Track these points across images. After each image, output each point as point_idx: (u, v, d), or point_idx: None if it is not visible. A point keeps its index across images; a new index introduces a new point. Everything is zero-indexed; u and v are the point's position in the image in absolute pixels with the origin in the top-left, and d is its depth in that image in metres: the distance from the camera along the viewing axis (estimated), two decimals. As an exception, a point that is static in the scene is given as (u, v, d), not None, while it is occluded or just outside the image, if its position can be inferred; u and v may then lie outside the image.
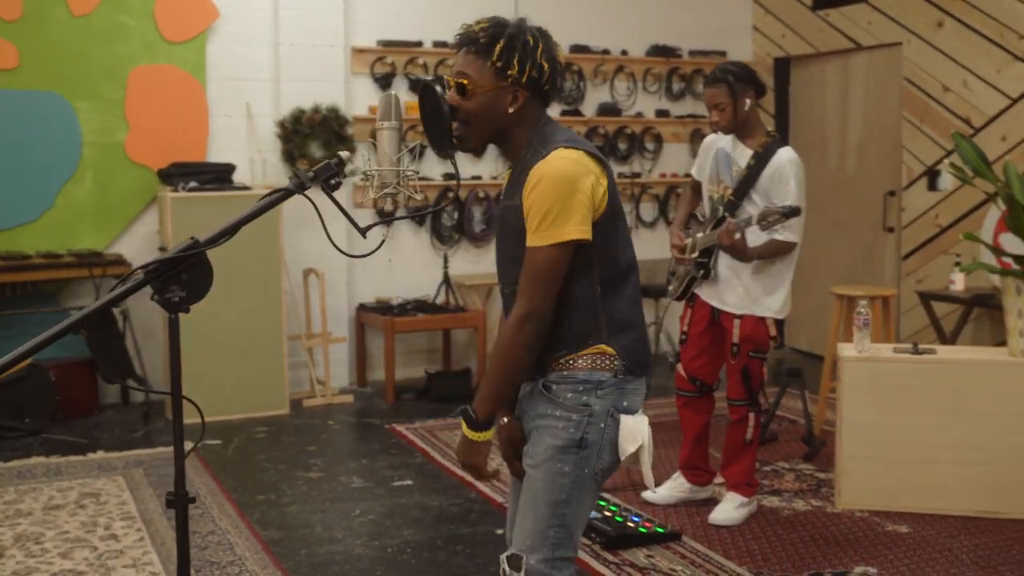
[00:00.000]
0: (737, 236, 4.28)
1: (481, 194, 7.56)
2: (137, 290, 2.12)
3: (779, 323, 4.50)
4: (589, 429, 2.39)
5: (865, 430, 4.62)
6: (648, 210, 8.17)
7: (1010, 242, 5.19)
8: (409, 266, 7.40)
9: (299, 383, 6.90)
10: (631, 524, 4.31)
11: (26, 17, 6.30)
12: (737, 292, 4.44)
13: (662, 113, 8.12)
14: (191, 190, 6.21)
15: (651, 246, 7.83)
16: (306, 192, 2.27)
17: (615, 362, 2.41)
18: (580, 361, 2.40)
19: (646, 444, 2.42)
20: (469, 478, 2.56)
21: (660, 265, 7.41)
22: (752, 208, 4.34)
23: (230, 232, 2.20)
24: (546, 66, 2.37)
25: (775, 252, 4.34)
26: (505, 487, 4.88)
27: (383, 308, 7.07)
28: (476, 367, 7.09)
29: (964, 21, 6.64)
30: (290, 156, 6.88)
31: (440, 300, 7.28)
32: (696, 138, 8.20)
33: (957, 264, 6.24)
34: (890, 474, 4.60)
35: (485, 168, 7.53)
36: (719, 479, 4.74)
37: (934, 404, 4.56)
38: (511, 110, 2.38)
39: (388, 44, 7.25)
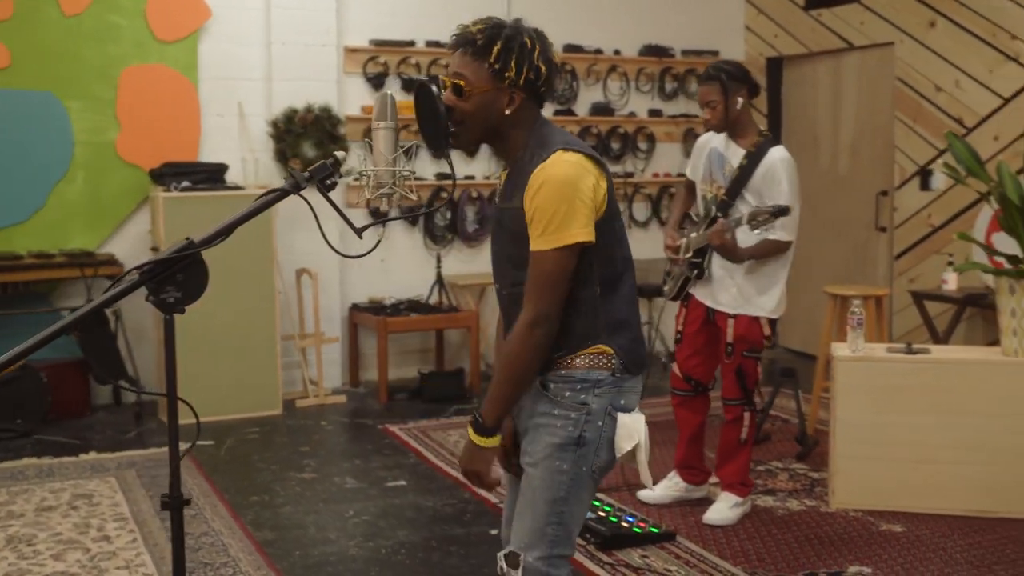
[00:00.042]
0: (727, 237, 4.29)
1: (474, 194, 7.55)
2: (132, 291, 2.11)
3: (772, 322, 4.50)
4: (587, 427, 2.40)
5: (859, 430, 4.62)
6: (641, 210, 8.17)
7: (1002, 241, 5.20)
8: (402, 266, 7.39)
9: (292, 383, 6.89)
10: (625, 524, 4.31)
11: (17, 16, 6.27)
12: (731, 292, 4.44)
13: (655, 113, 8.12)
14: (183, 190, 6.19)
15: (644, 246, 7.83)
16: (301, 192, 2.26)
17: (613, 361, 2.42)
18: (579, 360, 2.41)
19: (643, 442, 2.43)
20: (471, 485, 2.53)
21: (653, 265, 7.43)
22: (745, 208, 4.34)
23: (225, 232, 2.19)
24: (543, 68, 2.38)
25: (769, 252, 4.34)
26: (499, 487, 4.86)
27: (376, 308, 7.06)
28: (469, 367, 7.09)
29: (956, 21, 6.65)
30: (282, 156, 6.86)
31: (433, 300, 7.28)
32: (689, 138, 8.21)
33: (950, 264, 6.25)
34: (884, 474, 4.61)
35: (478, 168, 7.52)
36: (714, 479, 4.74)
37: (928, 404, 4.56)
38: (507, 111, 2.38)
39: (381, 44, 7.24)
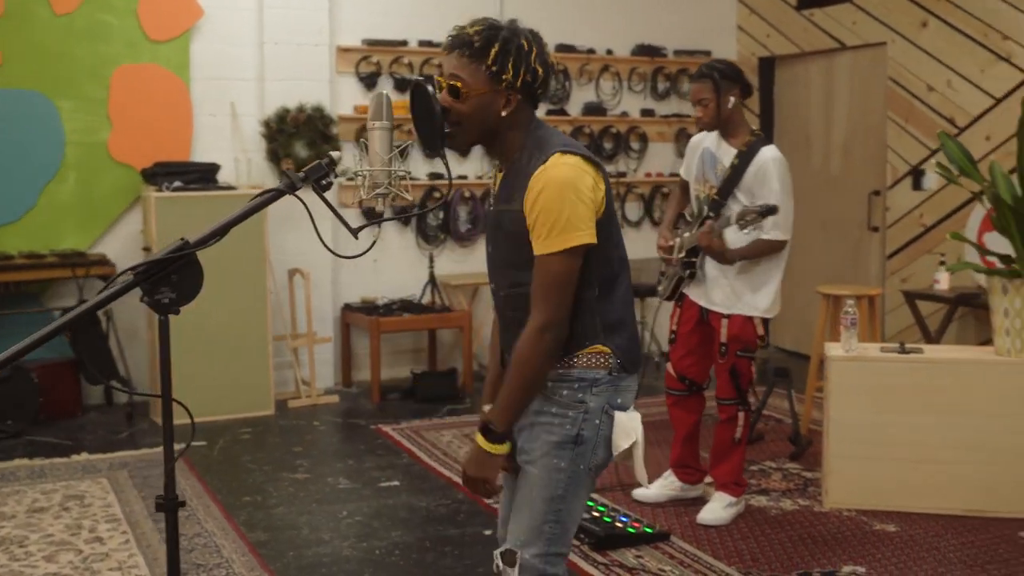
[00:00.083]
0: (713, 240, 4.30)
1: (467, 194, 7.55)
2: (127, 291, 2.10)
3: (766, 322, 4.50)
4: (585, 426, 2.41)
5: (853, 430, 4.62)
6: (633, 209, 8.17)
7: (994, 241, 5.21)
8: (395, 266, 7.37)
9: (284, 383, 6.87)
10: (619, 524, 4.31)
11: (8, 15, 6.25)
12: (724, 291, 4.44)
13: (647, 112, 8.13)
14: (175, 190, 6.17)
15: (637, 246, 7.82)
16: (296, 192, 2.25)
17: (610, 360, 2.43)
18: (577, 360, 2.42)
19: (639, 440, 2.45)
20: (474, 493, 2.51)
21: (646, 265, 7.43)
22: (737, 207, 4.34)
23: (220, 233, 2.17)
24: (540, 70, 2.38)
25: (763, 251, 4.34)
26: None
27: (368, 308, 7.05)
28: (462, 367, 7.08)
29: (948, 21, 6.66)
30: (275, 156, 6.84)
31: (426, 300, 7.27)
32: (681, 137, 8.21)
33: (942, 263, 6.26)
34: (878, 473, 4.61)
35: (470, 168, 7.51)
36: (709, 478, 4.74)
37: (922, 403, 4.57)
38: (504, 113, 2.38)
39: (373, 43, 7.23)
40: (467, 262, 7.61)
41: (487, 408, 2.66)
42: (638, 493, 4.76)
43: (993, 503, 4.52)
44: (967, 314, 6.48)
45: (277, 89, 6.86)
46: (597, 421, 2.42)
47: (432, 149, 2.40)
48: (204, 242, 2.15)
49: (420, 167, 7.31)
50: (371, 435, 5.97)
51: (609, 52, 7.97)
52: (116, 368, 6.33)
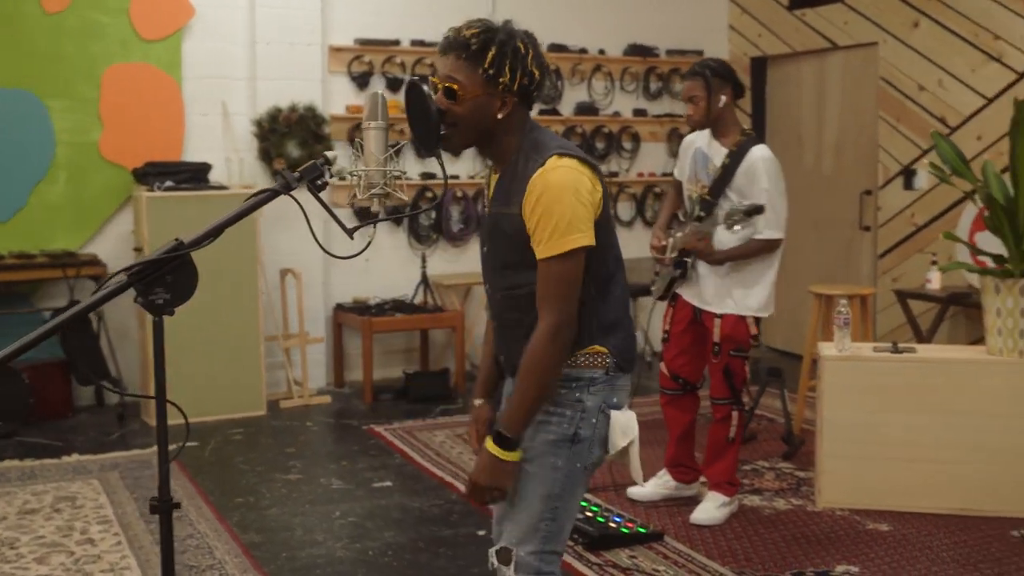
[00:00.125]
0: (699, 242, 4.32)
1: (459, 194, 7.54)
2: (121, 292, 2.09)
3: (759, 321, 4.51)
4: (582, 424, 2.42)
5: (846, 429, 4.63)
6: (625, 209, 8.17)
7: (986, 241, 5.22)
8: (386, 266, 7.36)
9: (276, 384, 6.86)
10: (613, 525, 4.31)
11: (-2, 14, 6.23)
12: (717, 291, 4.45)
13: (639, 112, 8.13)
14: (167, 190, 6.15)
15: (629, 246, 7.78)
16: (291, 192, 2.24)
17: (607, 360, 2.44)
18: (575, 360, 2.42)
19: (635, 439, 2.46)
20: (481, 503, 2.49)
21: (637, 264, 7.43)
22: (729, 207, 4.35)
23: (215, 233, 2.16)
24: (536, 73, 2.38)
25: (756, 251, 4.35)
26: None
27: (360, 308, 7.04)
28: (454, 367, 7.07)
29: (939, 21, 6.68)
30: (267, 155, 6.83)
31: (418, 300, 7.25)
32: (673, 137, 8.22)
33: (934, 263, 6.27)
34: (870, 473, 4.62)
35: (463, 167, 7.51)
36: (704, 477, 4.73)
37: (915, 403, 4.58)
38: (500, 116, 2.38)
39: (365, 43, 7.21)
40: (459, 262, 7.60)
41: (478, 403, 2.68)
42: (633, 491, 4.76)
43: (986, 502, 4.53)
44: (958, 313, 6.49)
45: (269, 88, 6.84)
46: (594, 420, 2.43)
47: (427, 149, 2.39)
48: (199, 242, 2.14)
49: (412, 167, 7.30)
50: (364, 436, 5.96)
51: (601, 52, 7.97)
52: (107, 369, 6.31)
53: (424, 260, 7.29)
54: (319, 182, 2.24)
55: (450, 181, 7.44)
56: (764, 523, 4.49)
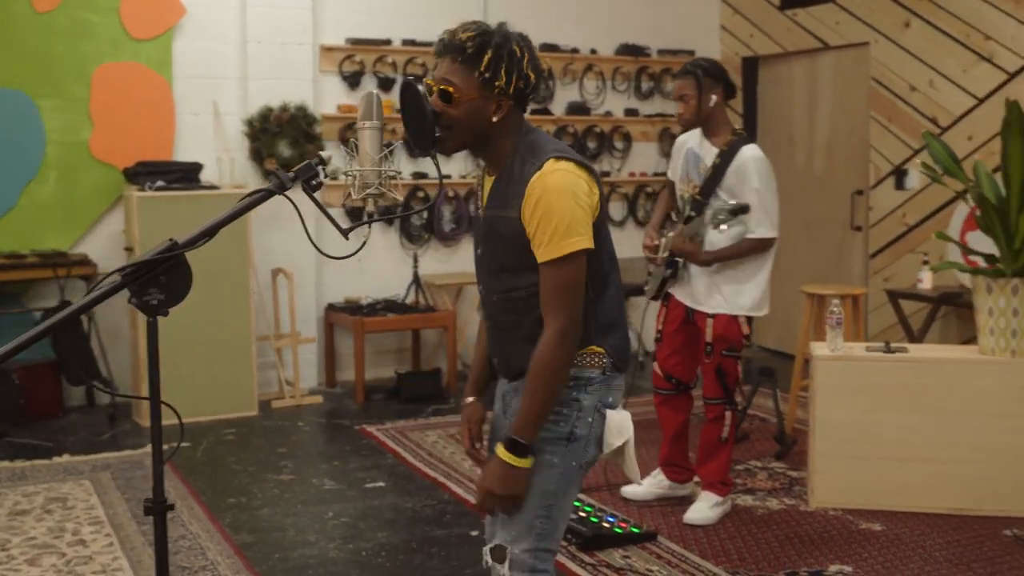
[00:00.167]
0: (684, 244, 4.34)
1: (451, 193, 7.53)
2: (115, 293, 2.08)
3: (751, 321, 4.51)
4: (578, 423, 2.42)
5: (838, 429, 4.63)
6: (617, 209, 8.17)
7: (977, 240, 5.23)
8: (378, 266, 7.35)
9: (267, 384, 6.84)
10: (606, 525, 4.30)
11: (-12, 13, 6.20)
12: (709, 291, 4.45)
13: (631, 112, 8.13)
14: (158, 189, 6.13)
15: (621, 246, 7.69)
16: (285, 192, 2.23)
17: (603, 360, 2.45)
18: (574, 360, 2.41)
19: (631, 438, 2.47)
20: (493, 512, 2.47)
21: (629, 264, 7.43)
22: (716, 206, 4.36)
23: (209, 234, 2.16)
24: (532, 76, 2.38)
25: (749, 250, 4.36)
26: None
27: (352, 308, 7.03)
28: (446, 367, 7.06)
29: (931, 21, 6.69)
30: (258, 155, 6.81)
31: (410, 300, 7.24)
32: (665, 137, 8.22)
33: (926, 263, 6.29)
34: (863, 472, 4.62)
35: (454, 167, 7.50)
36: (698, 477, 4.74)
37: (907, 403, 4.58)
38: (495, 119, 2.37)
39: (357, 42, 7.20)
40: (451, 262, 7.59)
41: (469, 400, 2.68)
42: (627, 490, 4.76)
43: (978, 501, 4.54)
44: (949, 313, 6.51)
45: (260, 88, 6.82)
46: (590, 419, 2.44)
47: (422, 149, 2.39)
48: (193, 243, 2.13)
49: (404, 166, 7.29)
50: (356, 436, 5.95)
51: (593, 51, 7.97)
52: (98, 369, 6.29)
53: (416, 260, 7.28)
54: (314, 182, 2.24)
55: (443, 181, 7.42)
56: (757, 523, 4.49)
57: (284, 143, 6.81)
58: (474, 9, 7.41)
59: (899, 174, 6.97)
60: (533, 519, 2.43)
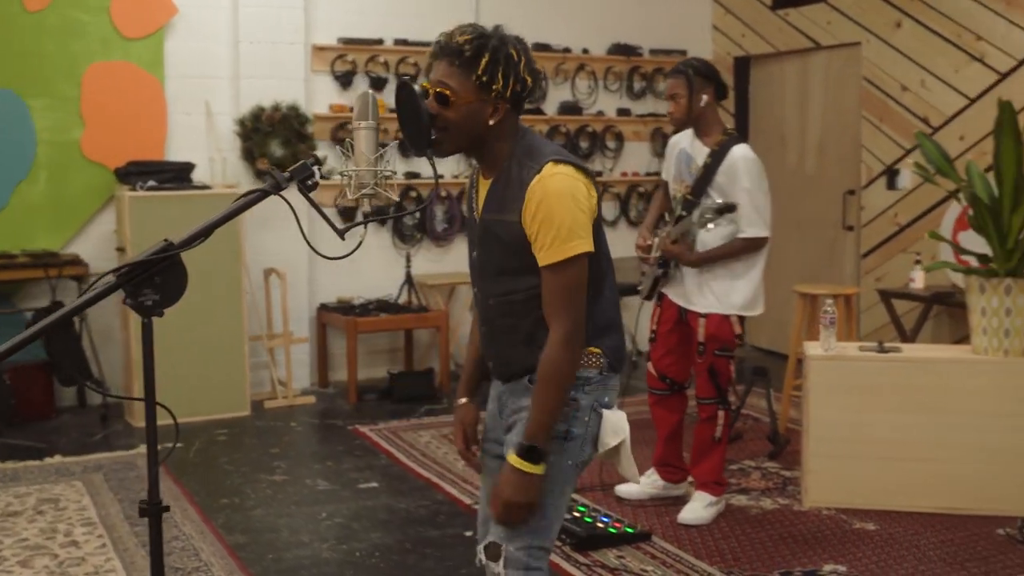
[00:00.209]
0: (672, 247, 4.35)
1: (443, 193, 7.52)
2: (110, 293, 2.07)
3: (743, 320, 4.51)
4: (575, 423, 2.43)
5: (832, 428, 4.64)
6: (609, 209, 8.17)
7: (969, 240, 5.25)
8: (371, 266, 7.33)
9: (260, 384, 6.82)
10: (601, 525, 4.30)
11: (-22, 12, 6.17)
12: (701, 291, 4.45)
13: (623, 112, 8.13)
14: (149, 189, 6.10)
15: (613, 245, 7.56)
16: (281, 192, 2.22)
17: (601, 360, 2.45)
18: None
19: (627, 438, 2.47)
20: (509, 522, 2.45)
21: (621, 264, 7.39)
22: (704, 205, 4.36)
23: (205, 234, 2.15)
24: (529, 80, 2.38)
25: (740, 250, 4.36)
26: (472, 488, 4.85)
27: (345, 308, 7.01)
28: (439, 367, 7.05)
29: (922, 21, 6.70)
30: (250, 155, 6.79)
31: (402, 300, 7.23)
32: (657, 137, 8.23)
33: (918, 262, 6.30)
34: (857, 472, 4.63)
35: (447, 167, 7.48)
36: (691, 477, 4.74)
37: (900, 402, 4.59)
38: (491, 122, 2.37)
39: (349, 42, 7.18)
40: (443, 262, 7.58)
41: (462, 401, 2.68)
42: (621, 489, 4.76)
43: (971, 501, 4.55)
44: (941, 312, 6.52)
45: (252, 88, 6.80)
46: (586, 419, 2.44)
47: (418, 149, 2.38)
48: (188, 243, 2.12)
49: (396, 166, 7.28)
50: (349, 436, 5.94)
51: (585, 51, 7.97)
52: (90, 369, 6.26)
53: (408, 260, 7.27)
54: (310, 182, 2.23)
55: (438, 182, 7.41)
56: (751, 523, 4.49)
57: (276, 143, 6.79)
58: (466, 9, 7.41)
59: (891, 174, 6.98)
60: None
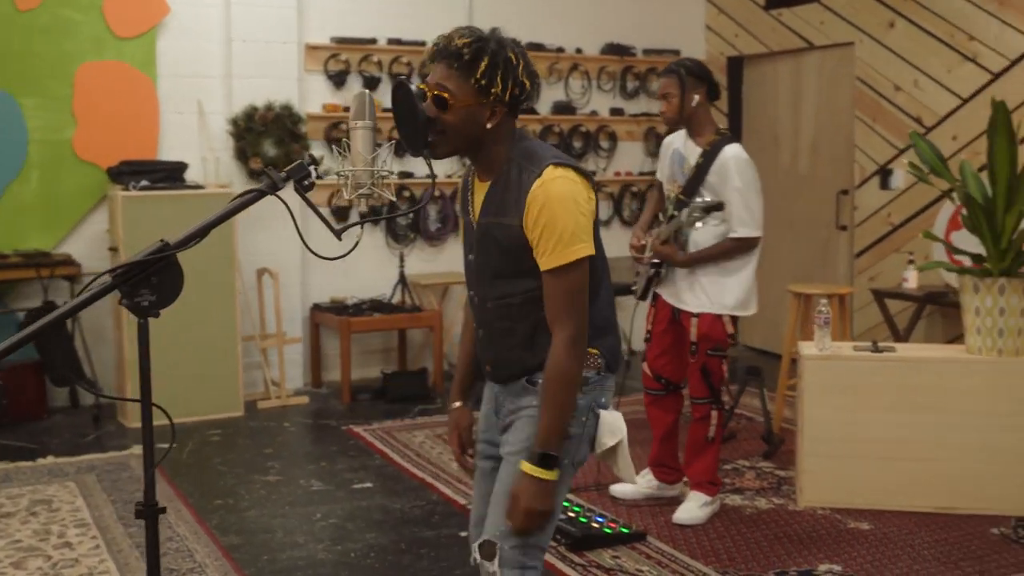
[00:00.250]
0: (661, 248, 4.36)
1: (437, 193, 7.51)
2: (106, 294, 2.05)
3: (736, 320, 4.51)
4: (572, 423, 2.42)
5: (826, 428, 4.64)
6: (603, 208, 8.16)
7: (962, 240, 5.25)
8: (364, 265, 7.31)
9: (253, 384, 6.81)
10: (596, 525, 4.30)
11: (-31, 11, 6.14)
12: (693, 290, 4.46)
13: (616, 111, 8.13)
14: (142, 189, 6.08)
15: (607, 245, 7.60)
16: (276, 193, 2.21)
17: (598, 361, 2.46)
18: None
19: (624, 438, 2.48)
20: (528, 530, 2.44)
21: (615, 264, 7.39)
22: (696, 204, 4.37)
23: (201, 234, 2.14)
24: (527, 83, 2.38)
25: (731, 250, 4.37)
26: (466, 488, 4.84)
27: (338, 308, 7.00)
28: (432, 367, 7.04)
29: (915, 22, 6.71)
30: (243, 154, 6.77)
31: (396, 300, 7.22)
32: (650, 136, 8.23)
33: (911, 262, 6.31)
34: (851, 472, 4.63)
35: (440, 166, 7.47)
36: (686, 477, 4.74)
37: (894, 402, 4.60)
38: (489, 125, 2.37)
39: (342, 41, 7.17)
40: (437, 261, 7.57)
41: (456, 405, 2.68)
42: (616, 489, 4.76)
43: (966, 500, 4.56)
44: (935, 312, 6.53)
45: (245, 87, 6.78)
46: (584, 419, 2.44)
47: (414, 149, 2.38)
48: (185, 243, 2.11)
49: (391, 166, 7.25)
50: (342, 436, 5.93)
51: (578, 51, 7.97)
52: (82, 369, 6.24)
53: (402, 260, 7.26)
54: (306, 182, 2.22)
55: (427, 180, 7.40)
56: (746, 522, 4.49)
57: (269, 142, 6.78)
58: (459, 8, 7.40)
59: (884, 174, 7.00)
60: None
